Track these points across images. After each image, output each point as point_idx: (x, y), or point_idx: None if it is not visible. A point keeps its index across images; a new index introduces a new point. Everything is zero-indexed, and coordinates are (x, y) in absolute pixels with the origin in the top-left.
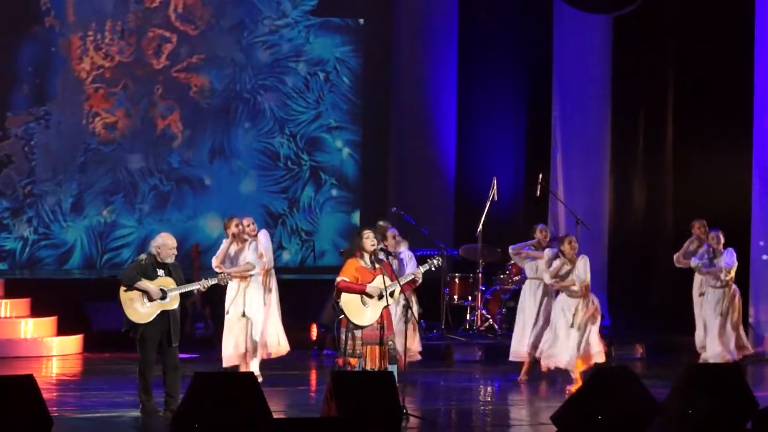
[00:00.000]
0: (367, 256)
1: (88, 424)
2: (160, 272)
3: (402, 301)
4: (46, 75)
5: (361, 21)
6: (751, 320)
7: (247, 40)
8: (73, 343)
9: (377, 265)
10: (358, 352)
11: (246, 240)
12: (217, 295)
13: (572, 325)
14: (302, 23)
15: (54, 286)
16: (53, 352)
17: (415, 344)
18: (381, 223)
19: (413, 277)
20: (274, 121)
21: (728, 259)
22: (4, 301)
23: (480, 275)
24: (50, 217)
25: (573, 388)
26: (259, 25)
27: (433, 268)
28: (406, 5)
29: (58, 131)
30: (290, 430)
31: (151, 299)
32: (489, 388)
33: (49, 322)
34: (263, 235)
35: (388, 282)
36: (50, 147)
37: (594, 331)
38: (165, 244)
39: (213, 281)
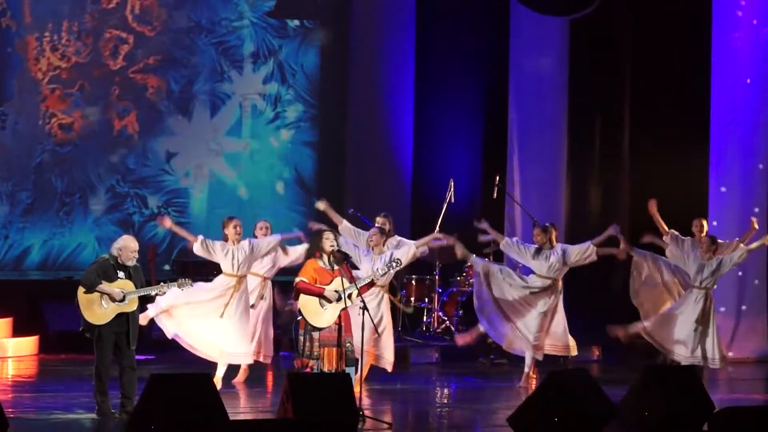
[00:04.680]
0: (326, 257)
1: (44, 425)
2: (121, 274)
3: (359, 304)
4: (2, 75)
5: (318, 23)
6: None
7: (205, 42)
8: (28, 344)
9: (336, 267)
10: (315, 353)
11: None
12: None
13: None
14: (259, 25)
15: (9, 287)
16: (8, 354)
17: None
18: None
19: (371, 279)
20: (232, 122)
21: None
22: None
23: (437, 277)
24: (6, 217)
25: None
26: (217, 27)
27: (391, 271)
28: (363, 7)
29: (14, 132)
30: (246, 431)
31: (111, 301)
32: (446, 390)
33: (4, 324)
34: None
35: (346, 284)
36: (6, 148)
37: None
38: (126, 247)
39: (173, 286)
